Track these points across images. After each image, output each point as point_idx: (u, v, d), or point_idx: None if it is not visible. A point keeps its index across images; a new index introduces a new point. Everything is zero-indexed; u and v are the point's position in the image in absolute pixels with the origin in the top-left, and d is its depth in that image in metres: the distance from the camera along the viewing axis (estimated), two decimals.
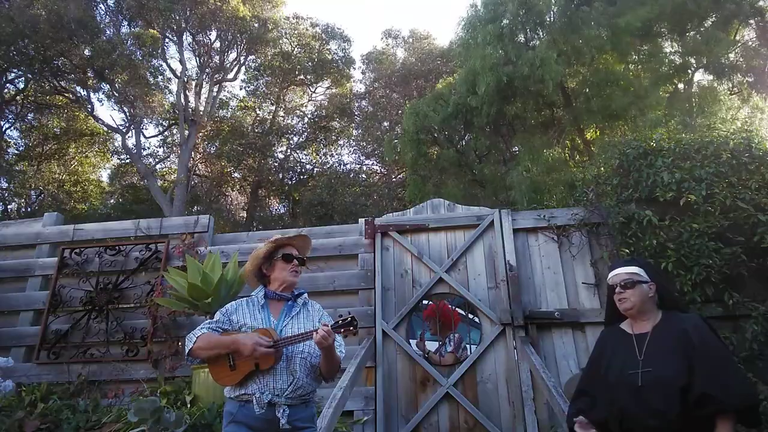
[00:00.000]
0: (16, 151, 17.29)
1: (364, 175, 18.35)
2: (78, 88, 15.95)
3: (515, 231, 5.06)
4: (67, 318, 5.27)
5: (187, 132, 16.31)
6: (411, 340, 4.85)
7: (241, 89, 20.17)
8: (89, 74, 15.10)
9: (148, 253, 5.44)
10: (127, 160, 18.31)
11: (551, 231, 5.03)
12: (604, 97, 9.31)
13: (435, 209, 5.37)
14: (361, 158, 19.42)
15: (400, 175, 17.34)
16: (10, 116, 16.54)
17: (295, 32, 18.83)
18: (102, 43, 14.15)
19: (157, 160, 19.48)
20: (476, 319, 4.85)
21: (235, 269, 4.50)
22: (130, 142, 16.44)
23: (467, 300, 4.88)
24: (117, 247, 5.52)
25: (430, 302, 4.96)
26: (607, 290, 2.44)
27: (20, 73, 15.33)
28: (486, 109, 9.70)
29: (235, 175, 18.96)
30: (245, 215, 18.28)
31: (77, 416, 4.15)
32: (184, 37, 16.84)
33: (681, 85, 10.52)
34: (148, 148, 18.93)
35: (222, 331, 2.38)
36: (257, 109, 19.77)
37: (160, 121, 18.37)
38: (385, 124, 17.96)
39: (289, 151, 19.32)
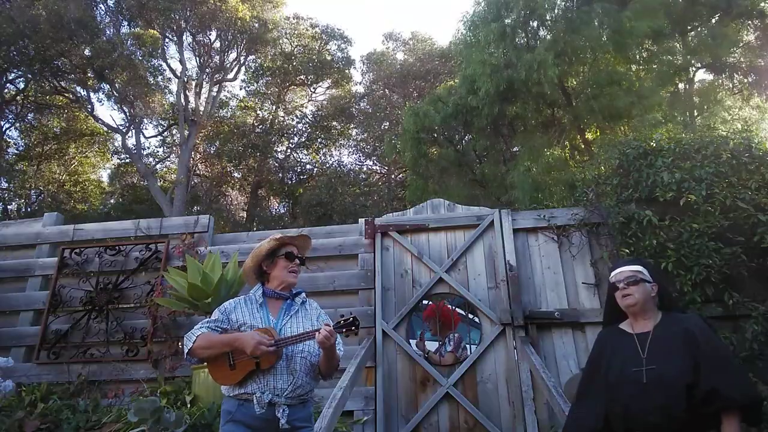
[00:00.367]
0: (16, 151, 17.30)
1: (363, 175, 18.36)
2: (78, 88, 15.96)
3: (515, 231, 5.06)
4: (67, 318, 5.26)
5: (187, 132, 16.31)
6: (411, 340, 4.85)
7: (241, 89, 20.22)
8: (89, 74, 15.11)
9: (148, 253, 5.44)
10: (127, 160, 18.32)
11: (551, 231, 5.03)
12: (605, 97, 9.30)
13: (435, 209, 5.36)
14: (361, 158, 19.43)
15: (400, 175, 17.35)
16: (10, 116, 16.55)
17: (295, 32, 18.85)
18: (102, 43, 14.16)
19: (157, 160, 19.50)
20: (476, 319, 4.85)
21: (235, 269, 4.50)
22: (130, 142, 16.47)
23: (467, 300, 4.88)
24: (117, 247, 5.52)
25: (430, 302, 4.96)
26: (607, 289, 2.45)
27: (20, 73, 15.34)
28: (486, 109, 9.70)
29: (235, 175, 18.97)
30: (245, 215, 18.28)
31: (77, 416, 4.15)
32: (184, 37, 16.84)
33: (682, 85, 10.52)
34: (148, 148, 18.96)
35: (221, 330, 2.37)
36: (257, 109, 19.78)
37: (160, 121, 18.38)
38: (385, 124, 17.96)
39: (289, 151, 19.33)
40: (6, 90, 15.78)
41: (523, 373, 4.48)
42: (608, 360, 2.28)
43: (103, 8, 15.87)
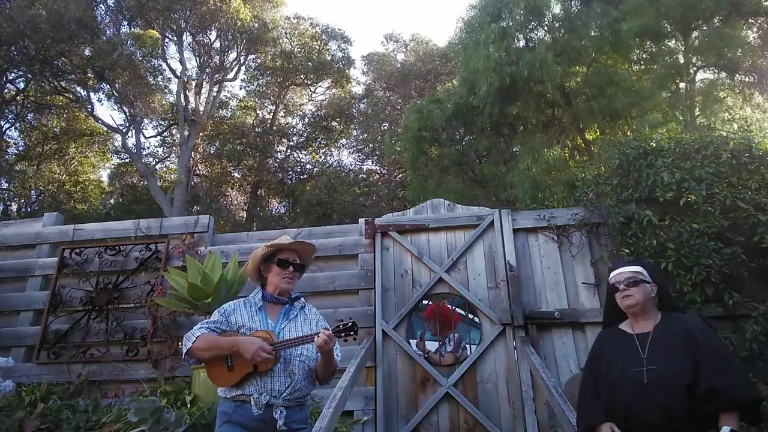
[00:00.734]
0: (16, 151, 17.31)
1: (363, 175, 18.36)
2: (78, 88, 15.96)
3: (515, 231, 5.05)
4: (67, 318, 5.26)
5: (187, 132, 16.31)
6: (411, 340, 4.84)
7: (241, 89, 20.21)
8: (89, 74, 15.10)
9: (148, 253, 5.44)
10: (127, 160, 18.32)
11: (551, 231, 5.03)
12: (605, 98, 9.31)
13: (435, 209, 5.36)
14: (361, 158, 19.43)
15: (400, 175, 17.34)
16: (10, 116, 16.55)
17: (296, 32, 18.85)
18: (102, 44, 14.17)
19: (156, 160, 19.50)
20: (476, 319, 4.85)
21: (235, 269, 4.50)
22: (130, 142, 16.47)
23: (467, 300, 4.88)
24: (117, 247, 5.52)
25: (430, 302, 4.95)
26: (607, 290, 2.46)
27: (20, 73, 15.33)
28: (487, 109, 9.70)
29: (235, 175, 18.98)
30: (245, 215, 18.29)
31: (77, 416, 4.15)
32: (184, 37, 16.84)
33: (683, 85, 10.52)
34: (148, 148, 18.97)
35: (220, 331, 2.38)
36: (257, 109, 19.78)
37: (160, 122, 18.38)
38: (385, 125, 17.96)
39: (289, 151, 19.34)
40: (6, 90, 15.78)
41: (523, 373, 4.48)
42: (608, 360, 2.28)
43: (103, 8, 15.90)
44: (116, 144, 18.58)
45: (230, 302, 2.52)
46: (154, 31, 15.70)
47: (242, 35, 16.78)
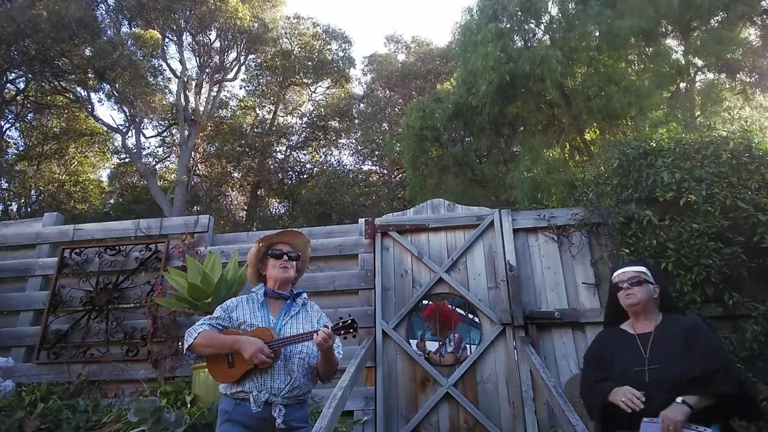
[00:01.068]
0: (16, 151, 17.30)
1: (363, 176, 18.36)
2: (78, 89, 15.95)
3: (515, 231, 5.05)
4: (67, 318, 5.26)
5: (187, 132, 16.31)
6: (411, 340, 4.84)
7: (241, 89, 20.20)
8: (90, 74, 15.10)
9: (148, 253, 5.44)
10: (127, 160, 18.32)
11: (551, 231, 5.03)
12: (605, 97, 9.31)
13: (435, 209, 5.36)
14: (361, 158, 19.43)
15: (400, 175, 17.34)
16: (10, 116, 16.54)
17: (296, 32, 18.84)
18: (103, 44, 14.16)
19: (157, 160, 19.50)
20: (476, 319, 4.85)
21: (235, 269, 4.50)
22: (130, 142, 16.47)
23: (467, 300, 4.88)
24: (117, 247, 5.52)
25: (430, 302, 4.95)
26: (609, 289, 2.46)
27: (20, 73, 15.33)
28: (487, 109, 9.70)
29: (235, 175, 18.98)
30: (245, 215, 18.29)
31: (77, 416, 4.15)
32: (184, 36, 16.85)
33: (683, 85, 10.52)
34: (148, 148, 18.96)
35: (222, 327, 2.39)
36: (257, 109, 19.78)
37: (160, 122, 18.39)
38: (385, 125, 17.97)
39: (288, 151, 19.34)
40: (6, 90, 15.78)
41: (523, 373, 4.48)
42: (609, 359, 2.29)
43: (103, 8, 15.90)
44: (116, 144, 18.59)
45: (233, 299, 2.53)
46: (155, 31, 15.69)
47: (242, 35, 16.78)
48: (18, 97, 16.20)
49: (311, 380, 2.43)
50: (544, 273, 4.92)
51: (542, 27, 10.19)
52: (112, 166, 19.81)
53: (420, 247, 5.17)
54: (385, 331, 4.83)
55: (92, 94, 16.25)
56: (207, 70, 17.39)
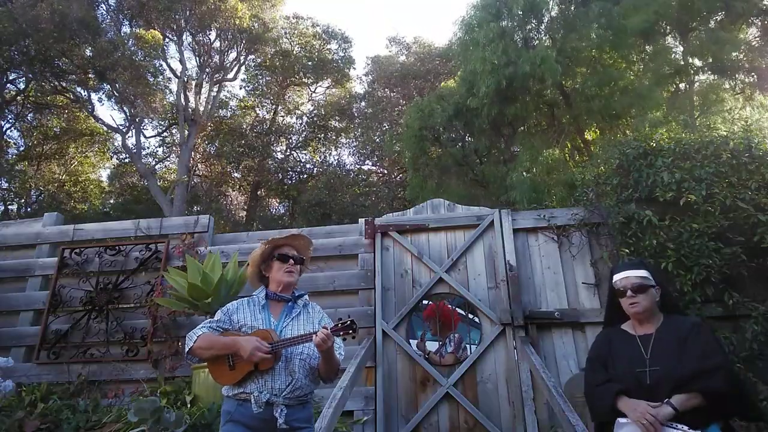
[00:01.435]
0: (17, 151, 17.29)
1: (363, 176, 18.35)
2: (78, 88, 15.95)
3: (515, 231, 5.06)
4: (67, 318, 5.26)
5: (187, 132, 16.31)
6: (411, 340, 4.85)
7: (241, 89, 20.19)
8: (90, 74, 15.09)
9: (148, 253, 5.44)
10: (127, 160, 18.31)
11: (551, 231, 5.03)
12: (604, 98, 9.31)
13: (435, 209, 5.36)
14: (361, 158, 19.42)
15: (400, 176, 17.34)
16: (11, 116, 16.53)
17: (295, 32, 18.84)
18: (104, 44, 14.15)
19: (156, 160, 19.50)
20: (476, 319, 4.85)
21: (235, 269, 4.50)
22: (130, 142, 16.46)
23: (467, 300, 4.88)
24: (117, 247, 5.52)
25: (430, 302, 4.96)
26: (609, 290, 2.45)
27: (21, 73, 15.33)
28: (486, 109, 9.70)
29: (235, 175, 18.97)
30: (245, 215, 18.29)
31: (77, 416, 4.15)
32: (184, 36, 16.85)
33: (683, 85, 10.52)
34: (148, 148, 18.96)
35: (222, 330, 2.39)
36: (257, 109, 19.78)
37: (160, 122, 18.38)
38: (385, 125, 17.96)
39: (288, 151, 19.34)
40: (6, 90, 15.77)
41: (523, 373, 4.48)
42: (610, 360, 2.29)
43: (104, 8, 15.90)
44: (116, 144, 18.57)
45: (233, 301, 2.53)
46: (156, 32, 15.68)
47: (242, 35, 16.78)
48: (18, 97, 16.20)
49: (313, 381, 2.44)
50: (544, 273, 4.92)
51: (543, 27, 10.19)
52: (112, 166, 19.81)
53: (420, 247, 5.17)
54: (385, 331, 4.83)
55: (92, 94, 16.26)
56: (207, 69, 17.38)
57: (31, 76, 15.08)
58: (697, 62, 10.19)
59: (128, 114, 16.13)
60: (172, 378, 4.80)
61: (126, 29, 16.16)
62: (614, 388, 2.16)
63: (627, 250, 4.36)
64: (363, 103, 19.26)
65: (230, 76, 18.34)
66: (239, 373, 2.29)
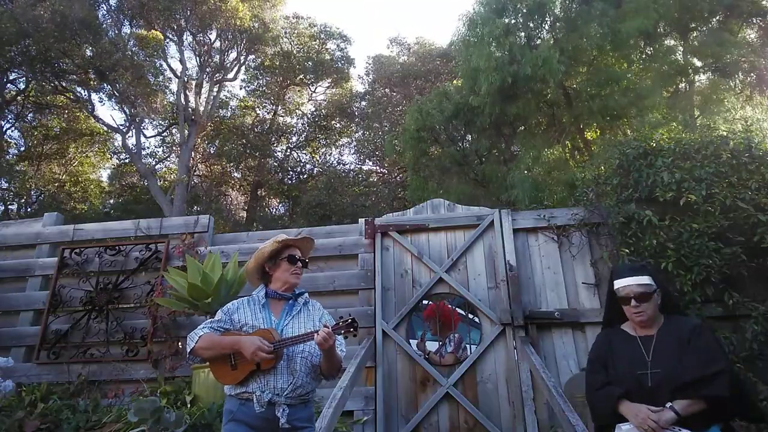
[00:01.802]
0: (17, 151, 17.29)
1: (363, 176, 18.35)
2: (79, 89, 15.95)
3: (515, 231, 5.06)
4: (67, 318, 5.26)
5: (187, 132, 16.31)
6: (411, 340, 4.85)
7: (241, 89, 20.20)
8: (91, 74, 15.09)
9: (148, 253, 5.44)
10: (127, 160, 18.31)
11: (551, 231, 5.03)
12: (605, 97, 9.31)
13: (435, 209, 5.36)
14: (361, 158, 19.42)
15: (400, 176, 17.34)
16: (11, 116, 16.53)
17: (295, 32, 18.85)
18: (105, 44, 14.16)
19: (157, 160, 19.49)
20: (476, 319, 4.85)
21: (235, 269, 4.50)
22: (130, 141, 16.46)
23: (467, 300, 4.88)
24: (117, 247, 5.52)
25: (430, 302, 4.96)
26: (608, 291, 2.45)
27: (21, 73, 15.33)
28: (488, 108, 9.69)
29: (235, 175, 18.98)
30: (245, 215, 18.29)
31: (77, 416, 4.15)
32: (185, 36, 16.85)
33: (683, 85, 10.52)
34: (148, 147, 18.95)
35: (223, 330, 2.40)
36: (257, 109, 19.78)
37: (160, 121, 18.38)
38: (386, 125, 17.96)
39: (288, 150, 19.34)
40: (6, 90, 15.77)
41: (523, 373, 4.48)
42: (612, 361, 2.28)
43: (105, 8, 15.89)
44: (116, 144, 18.57)
45: (234, 301, 2.53)
46: (158, 33, 15.68)
47: (242, 35, 16.79)
48: (18, 97, 16.20)
49: (315, 379, 2.44)
50: (544, 273, 4.92)
51: (546, 26, 10.18)
52: (113, 166, 19.81)
53: (420, 247, 5.17)
54: (385, 331, 4.83)
55: (93, 94, 16.25)
56: (207, 69, 17.38)
57: (31, 76, 15.07)
58: (697, 62, 10.19)
59: (128, 114, 16.13)
60: (172, 378, 4.80)
61: (126, 29, 16.16)
62: (615, 393, 2.16)
63: (627, 250, 4.36)
64: (363, 103, 19.25)
65: (230, 76, 18.35)
66: (241, 372, 2.29)
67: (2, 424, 3.94)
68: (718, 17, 9.81)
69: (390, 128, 17.16)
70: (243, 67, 18.72)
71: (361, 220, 5.41)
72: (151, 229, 5.63)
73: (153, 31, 15.51)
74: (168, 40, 16.65)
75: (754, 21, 10.23)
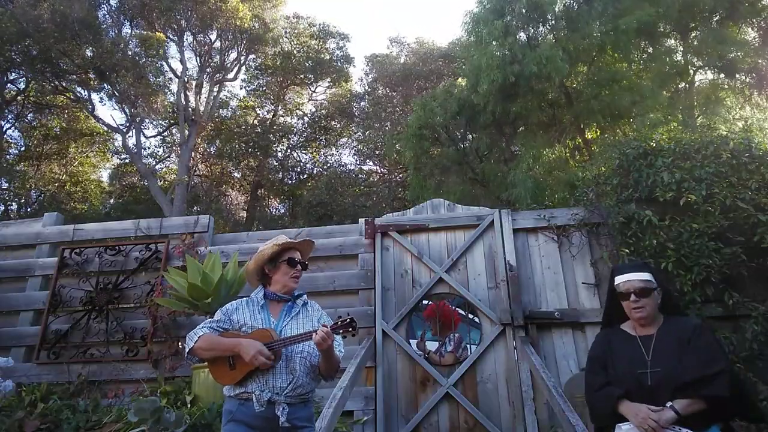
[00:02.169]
0: (17, 152, 17.29)
1: (363, 176, 18.35)
2: (79, 89, 15.94)
3: (515, 231, 5.06)
4: (67, 318, 5.26)
5: (187, 132, 16.31)
6: (411, 340, 4.85)
7: (241, 89, 20.21)
8: (91, 75, 15.09)
9: (148, 253, 5.44)
10: (127, 160, 18.32)
11: (551, 231, 5.03)
12: (606, 97, 9.31)
13: (435, 209, 5.36)
14: (362, 158, 19.42)
15: (400, 175, 17.33)
16: (11, 116, 16.53)
17: (295, 32, 18.85)
18: (106, 44, 14.16)
19: (157, 160, 19.49)
20: (476, 319, 4.85)
21: (235, 269, 4.50)
22: (131, 142, 16.46)
23: (467, 300, 4.88)
24: (117, 247, 5.52)
25: (430, 302, 4.96)
26: (608, 291, 2.45)
27: (21, 73, 15.33)
28: (490, 107, 9.70)
29: (235, 175, 18.98)
30: (245, 215, 18.29)
31: (77, 416, 4.15)
32: (185, 36, 16.85)
33: (683, 85, 10.52)
34: (148, 148, 18.95)
35: (222, 330, 2.40)
36: (257, 109, 19.78)
37: (160, 121, 18.38)
38: (386, 125, 17.96)
39: (289, 150, 19.34)
40: (6, 90, 15.77)
41: (523, 373, 4.48)
42: (612, 361, 2.28)
43: (105, 8, 15.88)
44: (116, 144, 18.57)
45: (233, 302, 2.54)
46: (161, 34, 15.68)
47: (242, 35, 16.79)
48: (18, 97, 16.20)
49: (314, 379, 2.44)
50: (544, 273, 4.92)
51: (547, 26, 10.18)
52: (113, 167, 19.81)
53: (420, 247, 5.17)
54: (385, 331, 4.83)
55: (93, 94, 16.25)
56: (207, 70, 17.39)
57: (31, 76, 15.07)
58: (698, 62, 10.19)
59: (129, 114, 16.12)
60: (172, 378, 4.80)
61: (127, 29, 16.16)
62: (615, 393, 2.15)
63: (627, 250, 4.36)
64: (363, 103, 19.25)
65: (231, 76, 18.35)
66: (240, 372, 2.29)
67: (2, 424, 3.94)
68: (718, 16, 9.80)
69: (390, 128, 17.16)
70: (243, 67, 18.73)
71: (361, 220, 5.41)
72: (151, 229, 5.63)
73: (156, 33, 15.51)
74: (168, 40, 16.65)
75: (755, 21, 10.23)
